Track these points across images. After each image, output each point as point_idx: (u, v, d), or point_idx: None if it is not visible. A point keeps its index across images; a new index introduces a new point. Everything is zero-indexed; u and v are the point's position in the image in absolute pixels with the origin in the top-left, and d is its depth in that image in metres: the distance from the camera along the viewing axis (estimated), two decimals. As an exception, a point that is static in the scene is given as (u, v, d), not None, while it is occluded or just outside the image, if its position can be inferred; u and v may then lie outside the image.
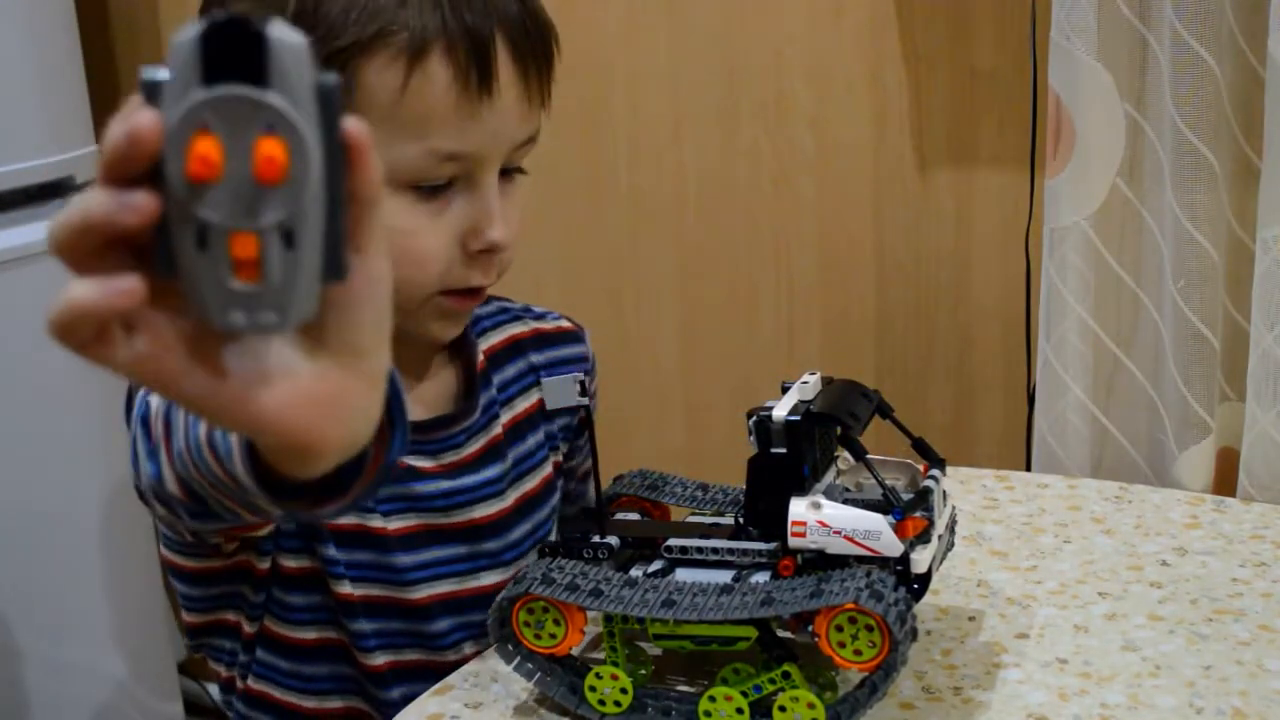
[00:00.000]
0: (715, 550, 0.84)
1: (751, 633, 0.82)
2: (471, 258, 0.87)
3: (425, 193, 0.84)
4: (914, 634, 0.78)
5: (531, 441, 1.02)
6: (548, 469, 1.03)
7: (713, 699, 0.82)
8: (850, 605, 0.76)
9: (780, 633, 0.83)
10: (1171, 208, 1.25)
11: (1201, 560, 1.03)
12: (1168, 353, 1.29)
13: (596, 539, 0.87)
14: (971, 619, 0.95)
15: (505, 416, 1.00)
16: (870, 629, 0.77)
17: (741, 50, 1.60)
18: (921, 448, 0.87)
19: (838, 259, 1.62)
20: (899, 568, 0.79)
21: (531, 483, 1.01)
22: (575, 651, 0.87)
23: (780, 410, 0.82)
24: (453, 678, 0.91)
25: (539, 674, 0.86)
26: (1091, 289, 1.31)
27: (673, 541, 0.86)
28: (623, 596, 0.82)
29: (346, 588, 0.92)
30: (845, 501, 0.82)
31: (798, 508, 0.81)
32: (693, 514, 0.94)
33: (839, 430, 0.83)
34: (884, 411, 0.87)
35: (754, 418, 0.82)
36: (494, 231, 0.86)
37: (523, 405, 1.02)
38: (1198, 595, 0.97)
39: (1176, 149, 1.24)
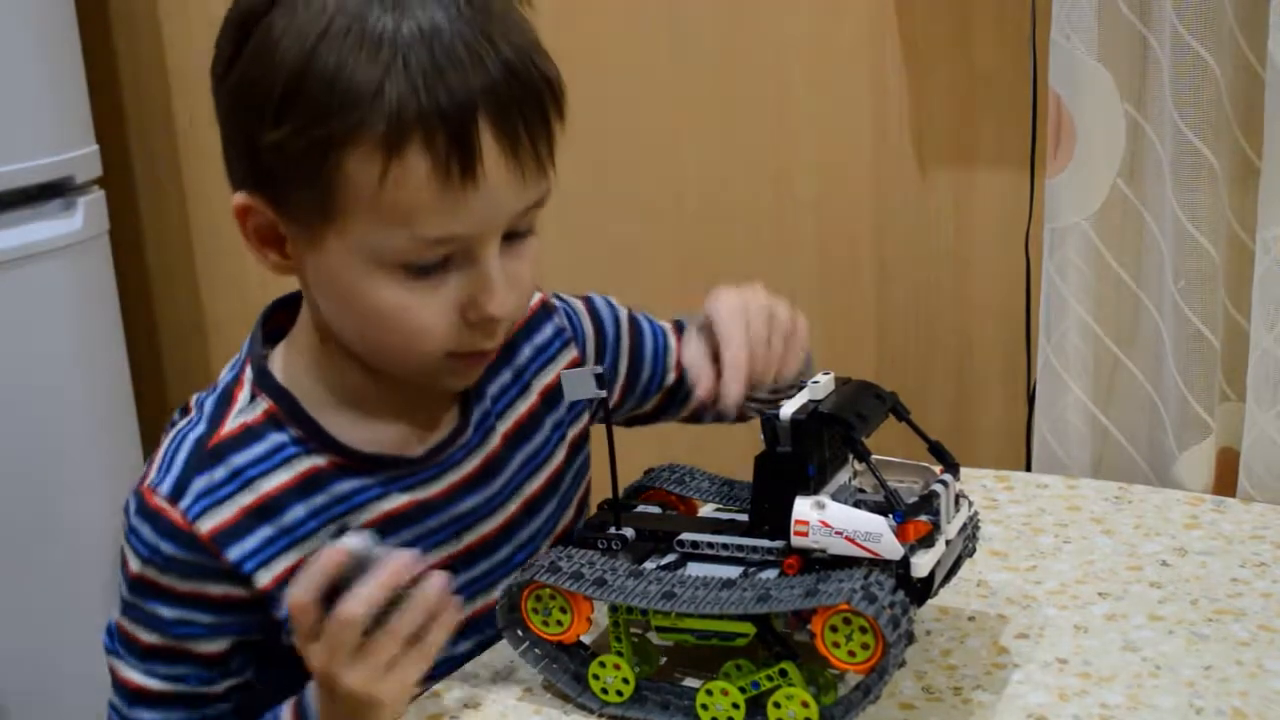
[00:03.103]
0: (725, 546, 0.85)
1: (749, 629, 0.82)
2: (472, 326, 0.85)
3: (419, 271, 0.83)
4: (910, 637, 0.78)
5: (538, 439, 1.00)
6: (557, 460, 1.01)
7: (710, 693, 0.82)
8: (844, 606, 0.76)
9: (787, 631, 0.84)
10: (1171, 208, 1.25)
11: (1201, 560, 1.03)
12: (1168, 353, 1.29)
13: (612, 530, 0.87)
14: (971, 619, 0.95)
15: (503, 426, 0.98)
16: (864, 630, 0.77)
17: (741, 50, 1.60)
18: (938, 451, 0.87)
19: (838, 259, 1.61)
20: (900, 571, 0.79)
21: (536, 483, 0.99)
22: (587, 641, 0.88)
23: (788, 409, 0.82)
24: (452, 678, 0.91)
25: (545, 660, 0.87)
26: (1091, 289, 1.32)
27: (684, 536, 0.86)
28: (625, 587, 0.83)
29: None
30: (857, 503, 0.82)
31: (802, 507, 0.81)
32: (718, 509, 0.94)
33: (845, 432, 0.83)
34: (899, 414, 0.87)
35: (763, 416, 0.83)
36: (492, 306, 0.84)
37: (522, 408, 1.00)
38: (1198, 595, 0.97)
39: (1177, 149, 1.24)
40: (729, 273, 1.74)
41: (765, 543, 0.83)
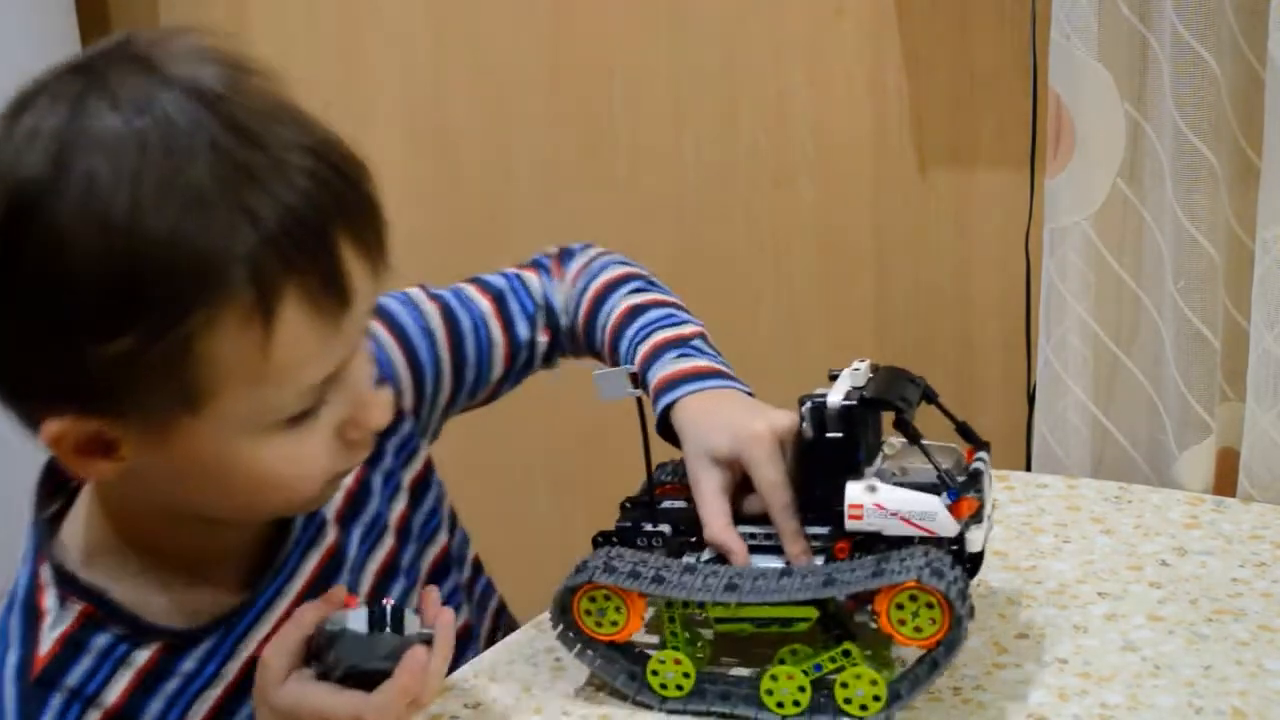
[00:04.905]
0: (769, 535, 0.85)
1: (812, 614, 0.83)
2: (352, 443, 0.78)
3: (298, 417, 0.74)
4: (972, 611, 0.80)
5: (372, 505, 0.92)
6: (398, 511, 0.95)
7: (774, 678, 0.83)
8: (912, 583, 0.78)
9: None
10: (1171, 208, 1.25)
11: (1201, 560, 1.03)
12: (1168, 353, 1.28)
13: (649, 527, 0.88)
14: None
15: (332, 510, 0.89)
16: (930, 606, 0.78)
17: (741, 50, 1.60)
18: (965, 431, 0.89)
19: (838, 259, 1.61)
20: (954, 547, 0.80)
21: (384, 549, 0.93)
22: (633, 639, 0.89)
23: (835, 396, 0.83)
24: (451, 678, 0.91)
25: (600, 661, 0.88)
26: (1091, 289, 1.31)
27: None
28: (685, 582, 0.84)
29: None
30: (896, 485, 0.83)
31: (854, 491, 0.82)
32: None
33: (895, 415, 0.84)
34: (929, 397, 0.88)
35: (807, 404, 0.83)
36: (374, 419, 0.78)
37: (348, 478, 0.87)
38: (1197, 595, 0.97)
39: (1177, 149, 1.24)
40: (729, 272, 1.74)
41: (812, 529, 0.84)
